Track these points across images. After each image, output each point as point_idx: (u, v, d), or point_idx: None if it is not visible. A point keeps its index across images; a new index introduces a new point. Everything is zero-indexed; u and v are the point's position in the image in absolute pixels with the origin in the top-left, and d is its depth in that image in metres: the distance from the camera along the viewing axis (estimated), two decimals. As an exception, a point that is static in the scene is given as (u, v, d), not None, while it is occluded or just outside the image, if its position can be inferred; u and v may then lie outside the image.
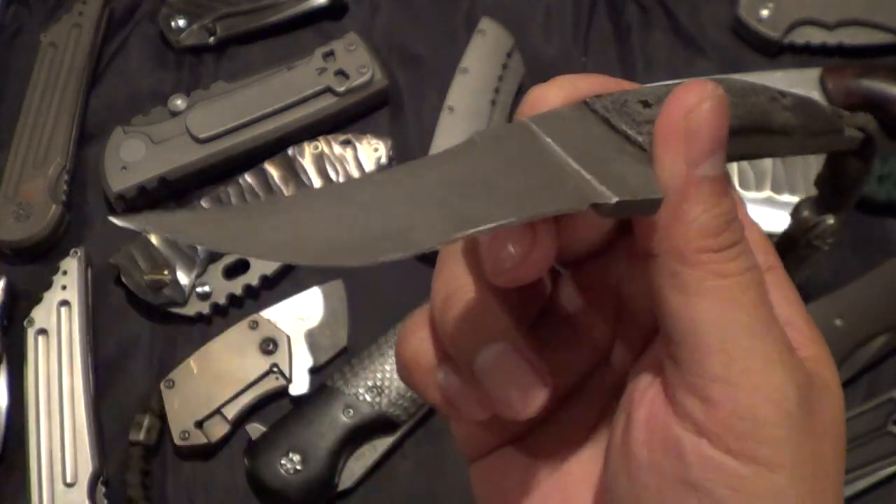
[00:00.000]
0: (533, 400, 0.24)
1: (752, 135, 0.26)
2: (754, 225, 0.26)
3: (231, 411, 0.58)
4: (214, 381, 0.59)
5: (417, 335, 0.27)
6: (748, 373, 0.22)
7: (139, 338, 0.63)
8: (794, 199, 0.62)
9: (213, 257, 0.63)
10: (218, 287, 0.63)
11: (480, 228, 0.20)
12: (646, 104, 0.24)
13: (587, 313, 0.28)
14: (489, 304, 0.25)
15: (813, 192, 0.37)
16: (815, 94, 0.67)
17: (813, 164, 0.66)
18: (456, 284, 0.26)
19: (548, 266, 0.24)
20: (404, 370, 0.27)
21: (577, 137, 0.23)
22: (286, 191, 0.65)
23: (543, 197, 0.22)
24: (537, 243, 0.23)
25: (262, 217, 0.19)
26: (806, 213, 0.38)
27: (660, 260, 0.23)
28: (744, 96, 0.26)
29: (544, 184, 0.22)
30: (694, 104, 0.23)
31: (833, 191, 0.36)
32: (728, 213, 0.23)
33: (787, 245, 0.39)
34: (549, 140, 0.23)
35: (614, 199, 0.21)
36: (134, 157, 0.66)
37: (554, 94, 0.25)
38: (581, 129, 0.24)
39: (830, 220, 0.38)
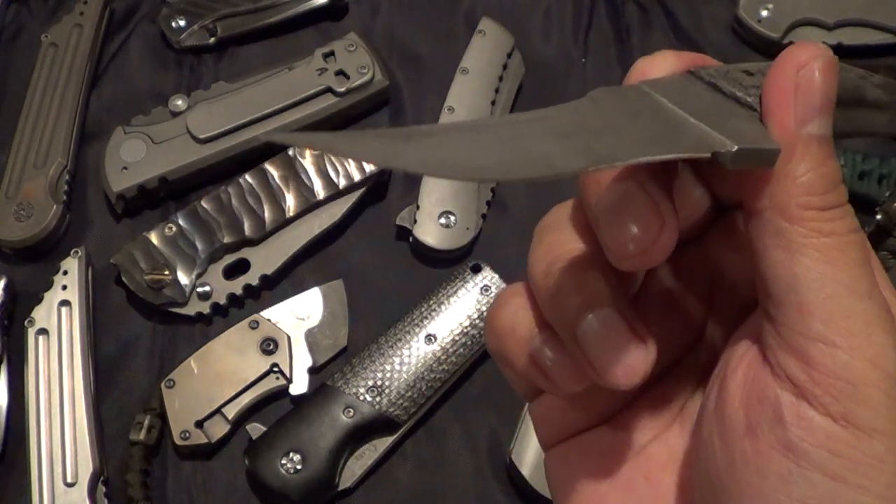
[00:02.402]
0: (637, 367, 0.24)
1: (849, 108, 0.26)
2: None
3: (231, 411, 0.58)
4: (215, 381, 0.59)
5: (513, 303, 0.27)
6: (849, 333, 0.22)
7: (139, 338, 0.63)
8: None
9: (214, 257, 0.64)
10: (218, 287, 0.63)
11: (615, 164, 0.21)
12: (749, 73, 0.24)
13: (682, 294, 0.28)
14: (597, 269, 0.25)
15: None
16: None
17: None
18: (562, 250, 0.26)
19: (671, 250, 0.24)
20: (496, 340, 0.27)
21: (689, 99, 0.24)
22: (286, 191, 0.65)
23: (668, 143, 0.22)
24: (665, 227, 0.23)
25: (418, 138, 0.20)
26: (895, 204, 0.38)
27: (764, 217, 0.23)
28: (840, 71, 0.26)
29: (667, 133, 0.22)
30: (805, 61, 0.23)
31: None
32: (833, 174, 0.23)
33: (880, 237, 0.39)
34: (664, 99, 0.23)
35: (735, 147, 0.21)
36: (134, 157, 0.66)
37: (659, 64, 0.26)
38: (692, 92, 0.24)
39: None
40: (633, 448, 0.28)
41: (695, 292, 0.28)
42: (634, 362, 0.24)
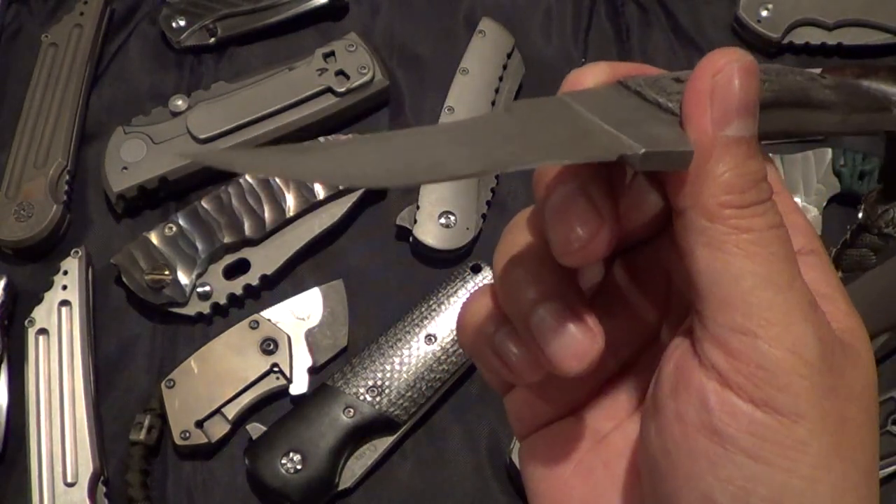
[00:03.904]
0: (585, 354, 0.26)
1: (791, 108, 0.27)
2: (797, 210, 0.27)
3: (231, 411, 0.58)
4: (215, 381, 0.59)
5: (479, 301, 0.29)
6: (768, 324, 0.23)
7: (139, 338, 0.63)
8: (797, 201, 0.62)
9: (214, 257, 0.64)
10: (218, 287, 0.63)
11: (508, 168, 0.22)
12: (678, 80, 0.25)
13: (639, 292, 0.30)
14: (549, 266, 0.26)
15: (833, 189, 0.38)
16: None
17: (812, 166, 0.66)
18: (518, 250, 0.27)
19: (610, 248, 0.25)
20: (464, 335, 0.29)
21: (610, 108, 0.24)
22: (287, 191, 0.65)
23: (575, 148, 0.23)
24: (603, 226, 0.24)
25: (315, 151, 0.21)
26: (874, 202, 0.39)
27: (688, 216, 0.24)
28: (780, 74, 0.26)
29: (577, 139, 0.23)
30: (722, 66, 0.24)
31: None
32: (754, 173, 0.24)
33: (861, 235, 0.39)
34: (583, 109, 0.24)
35: (641, 150, 0.22)
36: (134, 157, 0.66)
37: (591, 75, 0.27)
38: (615, 101, 0.25)
39: None
40: (594, 437, 0.30)
41: (652, 291, 0.30)
42: (582, 349, 0.25)
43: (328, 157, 0.21)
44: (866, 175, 0.65)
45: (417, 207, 0.65)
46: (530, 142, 0.23)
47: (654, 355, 0.29)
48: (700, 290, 0.24)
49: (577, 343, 0.26)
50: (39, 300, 0.61)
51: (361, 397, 0.57)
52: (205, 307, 0.63)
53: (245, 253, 0.64)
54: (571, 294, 0.26)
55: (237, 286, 0.63)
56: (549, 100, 0.25)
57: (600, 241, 0.25)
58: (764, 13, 0.73)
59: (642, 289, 0.30)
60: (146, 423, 0.58)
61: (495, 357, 0.28)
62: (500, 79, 0.71)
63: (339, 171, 0.21)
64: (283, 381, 0.60)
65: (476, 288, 0.60)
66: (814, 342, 0.23)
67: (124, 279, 0.62)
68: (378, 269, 0.66)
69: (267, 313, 0.61)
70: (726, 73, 0.24)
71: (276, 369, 0.60)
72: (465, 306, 0.29)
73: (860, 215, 0.39)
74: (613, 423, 0.30)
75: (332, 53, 0.70)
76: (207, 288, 0.63)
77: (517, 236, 0.28)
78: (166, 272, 0.62)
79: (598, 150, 0.22)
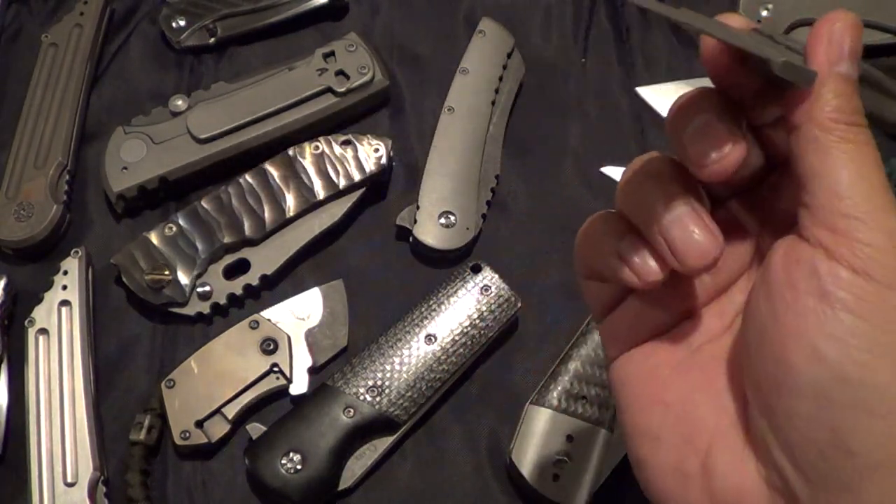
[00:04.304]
0: (710, 251, 0.31)
1: (871, 89, 0.34)
2: None
3: (231, 411, 0.58)
4: (215, 381, 0.59)
5: (603, 217, 0.35)
6: (868, 212, 0.28)
7: (139, 338, 0.63)
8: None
9: (214, 257, 0.64)
10: (218, 287, 0.63)
11: (701, 31, 0.29)
12: (797, 43, 0.31)
13: (740, 227, 0.35)
14: (678, 181, 0.32)
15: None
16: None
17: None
18: (650, 168, 0.33)
19: (739, 163, 0.30)
20: (590, 245, 0.35)
21: (754, 37, 0.31)
22: (287, 191, 0.65)
23: (735, 36, 0.29)
24: (737, 144, 0.30)
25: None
26: None
27: (803, 129, 0.29)
28: (863, 65, 0.32)
29: (738, 35, 0.30)
30: (838, 20, 0.29)
31: None
32: (857, 105, 0.29)
33: None
34: (736, 30, 0.31)
35: (782, 59, 0.28)
36: (134, 158, 0.66)
37: (733, 20, 0.32)
38: (755, 36, 0.31)
39: None
40: (691, 346, 0.35)
41: (747, 231, 0.35)
42: (708, 247, 0.31)
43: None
44: None
45: (417, 207, 0.65)
46: (707, 23, 0.29)
47: (746, 282, 0.35)
48: (810, 187, 0.29)
49: (704, 242, 0.31)
50: (39, 300, 0.61)
51: (361, 397, 0.57)
52: (205, 307, 0.63)
53: (245, 253, 0.64)
54: (698, 204, 0.32)
55: (237, 286, 0.63)
56: (707, 18, 0.31)
57: (735, 155, 0.30)
58: (764, 13, 0.73)
59: (743, 224, 0.35)
60: (146, 423, 0.58)
61: (620, 262, 0.33)
62: (500, 79, 0.71)
63: None
64: (283, 381, 0.60)
65: (476, 287, 0.60)
66: None
67: (124, 279, 0.62)
68: (378, 269, 0.66)
69: (267, 313, 0.61)
70: (841, 24, 0.29)
71: (276, 369, 0.60)
72: (585, 226, 0.35)
73: None
74: (707, 337, 0.35)
75: (332, 53, 0.70)
76: (207, 288, 0.63)
77: (647, 162, 0.33)
78: (166, 272, 0.62)
79: (753, 45, 0.28)
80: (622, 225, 0.33)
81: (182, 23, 0.74)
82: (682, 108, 0.32)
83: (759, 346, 0.30)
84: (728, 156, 0.30)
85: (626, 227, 0.33)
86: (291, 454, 0.55)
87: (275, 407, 0.60)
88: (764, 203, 0.35)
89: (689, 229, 0.31)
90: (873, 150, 0.29)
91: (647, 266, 0.32)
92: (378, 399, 0.57)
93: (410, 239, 0.65)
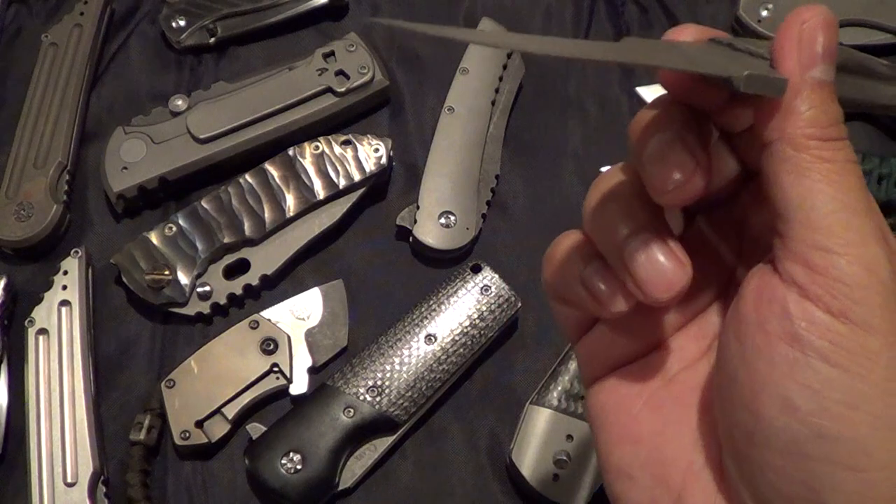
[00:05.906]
0: (675, 282, 0.28)
1: (854, 76, 0.30)
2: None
3: (231, 411, 0.58)
4: (215, 381, 0.59)
5: (569, 238, 0.32)
6: (847, 243, 0.25)
7: (139, 338, 0.63)
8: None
9: (214, 257, 0.64)
10: (218, 287, 0.63)
11: (649, 64, 0.26)
12: (758, 41, 0.29)
13: (715, 245, 0.33)
14: (641, 205, 0.29)
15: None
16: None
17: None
18: (613, 190, 0.30)
19: (702, 191, 0.28)
20: (554, 269, 0.32)
21: (709, 52, 0.28)
22: (286, 191, 0.65)
23: (696, 63, 0.26)
24: (697, 169, 0.28)
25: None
26: None
27: (775, 147, 0.26)
28: (843, 50, 0.29)
29: (693, 57, 0.27)
30: (808, 17, 0.27)
31: None
32: (834, 113, 0.26)
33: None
34: (687, 48, 0.28)
35: (745, 72, 0.25)
36: (134, 157, 0.66)
37: (685, 34, 0.30)
38: (711, 49, 0.28)
39: None
40: (665, 376, 0.32)
41: (726, 246, 0.33)
42: (673, 278, 0.28)
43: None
44: (866, 175, 0.64)
45: (417, 207, 0.65)
46: (658, 54, 0.27)
47: (724, 303, 0.33)
48: (784, 214, 0.26)
49: (669, 272, 0.28)
50: (39, 300, 0.61)
51: (361, 397, 0.57)
52: (205, 307, 0.63)
53: (245, 253, 0.64)
54: (663, 229, 0.29)
55: (237, 286, 0.63)
56: (655, 41, 0.29)
57: (694, 183, 0.28)
58: (764, 13, 0.73)
59: (718, 242, 0.33)
60: (146, 423, 0.58)
61: (584, 290, 0.30)
62: (500, 79, 0.71)
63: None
64: (283, 381, 0.60)
65: (476, 287, 0.60)
66: (886, 263, 0.25)
67: (124, 279, 0.62)
68: (378, 269, 0.66)
69: (267, 313, 0.61)
70: (812, 23, 0.26)
71: (276, 369, 0.60)
72: (552, 248, 0.32)
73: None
74: (683, 364, 0.32)
75: (332, 53, 0.70)
76: (207, 288, 0.63)
77: (611, 180, 0.31)
78: (166, 272, 0.62)
79: (710, 67, 0.26)
80: (588, 248, 0.31)
81: (182, 23, 0.74)
82: (641, 124, 0.29)
83: (729, 392, 0.28)
84: (687, 183, 0.28)
85: (592, 251, 0.31)
86: (291, 454, 0.55)
87: (275, 407, 0.60)
88: (744, 212, 0.33)
89: (654, 257, 0.28)
90: (854, 168, 0.26)
91: (613, 297, 0.30)
92: (378, 399, 0.57)
93: (410, 239, 0.65)
